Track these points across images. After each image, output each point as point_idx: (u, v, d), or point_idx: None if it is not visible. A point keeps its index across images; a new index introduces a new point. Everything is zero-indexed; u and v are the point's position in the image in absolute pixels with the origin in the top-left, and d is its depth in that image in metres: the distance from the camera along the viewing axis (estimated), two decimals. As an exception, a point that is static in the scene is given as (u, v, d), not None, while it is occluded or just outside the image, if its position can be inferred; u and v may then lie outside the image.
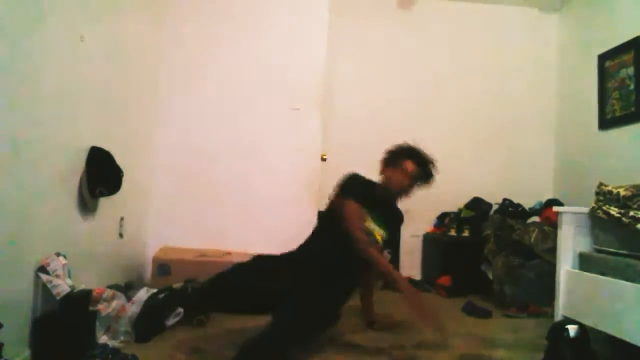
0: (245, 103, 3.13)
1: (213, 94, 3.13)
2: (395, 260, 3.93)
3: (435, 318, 2.19)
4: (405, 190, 2.40)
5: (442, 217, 3.90)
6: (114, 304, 1.98)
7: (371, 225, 2.30)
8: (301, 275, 2.01)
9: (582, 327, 1.92)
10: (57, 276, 1.73)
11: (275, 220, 3.09)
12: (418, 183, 2.41)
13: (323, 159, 3.23)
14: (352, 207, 2.25)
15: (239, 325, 2.40)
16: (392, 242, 2.53)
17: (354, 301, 2.95)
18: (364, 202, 2.29)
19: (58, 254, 1.78)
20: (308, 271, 2.05)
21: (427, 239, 3.94)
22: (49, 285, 1.70)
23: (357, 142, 3.66)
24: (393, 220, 2.49)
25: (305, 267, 2.08)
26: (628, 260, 2.06)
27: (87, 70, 2.09)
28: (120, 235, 2.55)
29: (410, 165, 2.37)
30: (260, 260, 2.21)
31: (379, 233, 2.32)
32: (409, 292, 2.13)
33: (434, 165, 2.42)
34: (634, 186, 2.25)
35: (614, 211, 2.19)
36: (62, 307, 1.73)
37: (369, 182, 2.45)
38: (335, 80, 3.81)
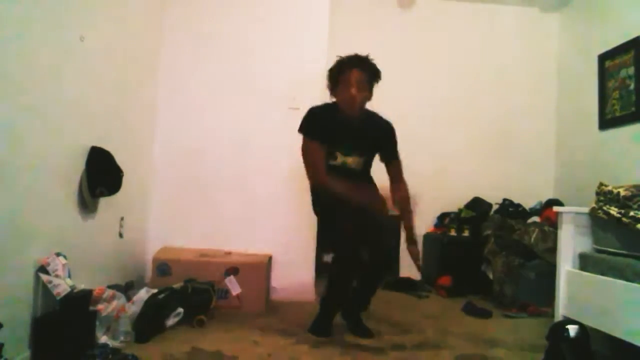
0: (244, 103, 3.13)
1: (213, 94, 3.12)
2: (395, 259, 3.94)
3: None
4: (361, 102, 2.30)
5: (442, 217, 3.90)
6: (114, 304, 1.98)
7: (341, 157, 2.36)
8: None
9: (582, 327, 1.92)
10: (57, 276, 1.73)
11: (275, 220, 3.09)
12: (370, 82, 2.31)
13: (323, 159, 3.22)
14: (308, 147, 2.31)
15: (238, 325, 2.41)
16: (395, 156, 2.49)
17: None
18: (328, 137, 2.31)
19: (58, 254, 1.77)
20: None
21: (427, 239, 3.94)
22: (49, 285, 1.70)
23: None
24: (375, 138, 2.43)
25: None
26: (628, 260, 2.06)
27: (87, 70, 2.09)
28: (120, 235, 2.55)
29: (352, 75, 2.26)
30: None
31: (353, 161, 2.38)
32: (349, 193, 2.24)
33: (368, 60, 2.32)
34: (634, 186, 2.26)
35: (614, 211, 2.19)
36: (62, 307, 1.73)
37: (327, 111, 2.36)
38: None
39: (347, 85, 2.26)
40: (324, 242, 3.08)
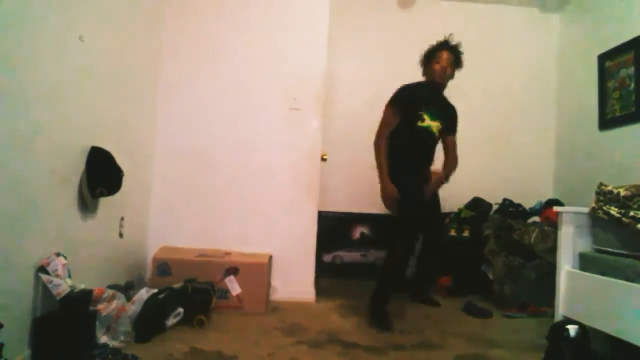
0: (245, 103, 3.13)
1: (213, 94, 3.12)
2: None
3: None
4: (447, 77, 2.85)
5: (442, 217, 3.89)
6: (114, 304, 1.98)
7: (427, 121, 2.79)
8: None
9: (582, 327, 1.92)
10: (57, 276, 1.73)
11: (276, 220, 3.09)
12: (455, 65, 2.86)
13: (323, 159, 3.23)
14: (386, 116, 2.79)
15: (238, 325, 2.41)
16: (456, 130, 3.04)
17: (352, 301, 2.97)
18: (416, 104, 2.78)
19: (58, 254, 1.78)
20: None
21: (427, 239, 3.93)
22: (49, 285, 1.70)
23: (357, 142, 3.66)
24: (449, 114, 2.95)
25: None
26: (628, 260, 2.06)
27: (87, 70, 2.09)
28: (120, 235, 2.55)
29: (443, 54, 2.81)
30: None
31: (435, 126, 2.83)
32: (383, 185, 2.70)
33: (457, 46, 2.87)
34: (634, 186, 2.25)
35: (614, 211, 2.19)
36: (62, 307, 1.73)
37: (418, 85, 2.85)
38: (335, 80, 3.81)
39: (439, 61, 2.81)
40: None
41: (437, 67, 2.80)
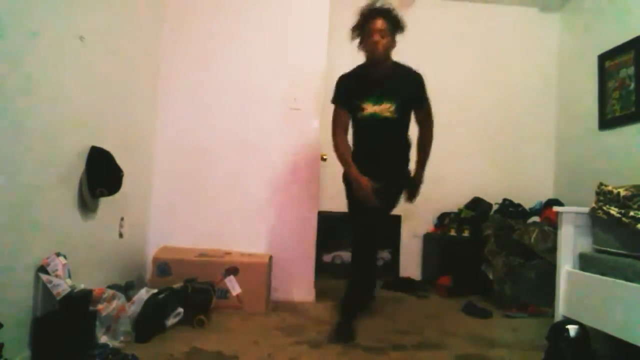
0: (245, 103, 3.13)
1: (213, 95, 3.12)
2: (395, 260, 3.94)
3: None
4: (386, 49, 2.41)
5: (442, 217, 3.90)
6: (114, 304, 1.98)
7: (371, 108, 2.44)
8: None
9: (582, 327, 1.92)
10: (57, 276, 1.73)
11: (276, 220, 3.09)
12: (392, 30, 2.41)
13: (323, 159, 3.23)
14: (333, 114, 2.54)
15: (238, 325, 2.41)
16: (423, 100, 2.56)
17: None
18: (354, 94, 2.47)
19: (58, 254, 1.77)
20: None
21: (427, 239, 3.94)
22: (49, 285, 1.70)
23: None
24: (406, 87, 2.49)
25: None
26: (628, 260, 2.06)
27: (87, 70, 2.09)
28: (120, 235, 2.55)
29: (372, 25, 2.37)
30: None
31: (385, 109, 2.44)
32: (355, 182, 2.39)
33: (388, 9, 2.41)
34: (634, 186, 2.25)
35: (614, 211, 2.19)
36: (62, 307, 1.73)
37: (355, 72, 2.54)
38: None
39: (370, 34, 2.37)
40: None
41: (369, 42, 2.38)
